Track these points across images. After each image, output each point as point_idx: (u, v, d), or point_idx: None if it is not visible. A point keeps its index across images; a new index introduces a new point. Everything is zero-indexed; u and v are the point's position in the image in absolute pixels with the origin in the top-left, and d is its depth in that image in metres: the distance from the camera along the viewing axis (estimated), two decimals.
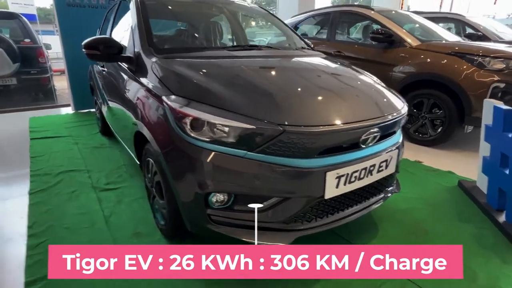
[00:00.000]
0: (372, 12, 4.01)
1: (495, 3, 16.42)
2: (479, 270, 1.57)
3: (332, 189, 1.36)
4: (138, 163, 2.06)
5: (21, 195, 2.35)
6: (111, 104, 2.47)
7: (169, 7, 2.44)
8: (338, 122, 1.34)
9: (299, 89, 1.54)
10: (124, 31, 2.30)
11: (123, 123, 2.13)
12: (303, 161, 1.30)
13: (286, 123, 1.28)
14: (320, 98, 1.50)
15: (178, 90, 1.47)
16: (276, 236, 1.36)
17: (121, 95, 2.06)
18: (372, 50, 3.84)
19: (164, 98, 1.45)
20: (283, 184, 1.30)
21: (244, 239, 1.34)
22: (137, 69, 1.83)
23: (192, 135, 1.35)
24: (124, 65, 2.05)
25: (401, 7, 9.99)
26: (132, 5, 2.21)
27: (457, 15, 5.73)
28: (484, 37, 5.00)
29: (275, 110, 1.34)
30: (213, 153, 1.31)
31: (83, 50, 1.98)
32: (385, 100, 1.64)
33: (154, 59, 1.74)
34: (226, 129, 1.29)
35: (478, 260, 1.64)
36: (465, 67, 3.10)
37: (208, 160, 1.32)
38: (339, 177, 1.36)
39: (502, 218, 1.96)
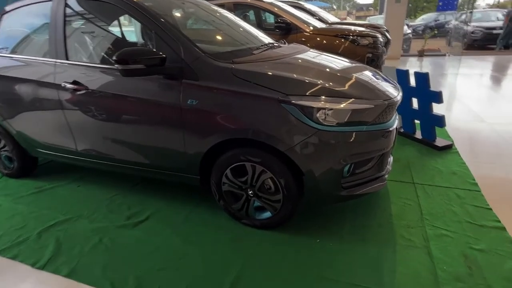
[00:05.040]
0: (265, 3, 4.67)
1: None
2: (418, 163, 2.69)
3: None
4: (198, 177, 1.98)
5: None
6: (116, 130, 2.06)
7: (165, 6, 2.19)
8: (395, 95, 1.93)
9: (364, 74, 2.01)
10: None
11: (168, 144, 1.93)
12: (390, 123, 1.85)
13: (384, 98, 1.77)
14: (377, 79, 2.01)
15: (289, 91, 1.64)
16: (376, 183, 1.89)
17: (161, 113, 1.86)
18: (276, 37, 4.54)
19: (288, 98, 1.61)
20: (385, 143, 1.82)
21: (373, 191, 1.82)
22: (201, 78, 1.75)
23: (326, 123, 1.62)
24: (161, 81, 1.83)
25: None
26: (129, 8, 1.91)
27: (295, 2, 7.23)
28: (321, 20, 6.66)
29: (372, 91, 1.79)
30: (344, 133, 1.65)
31: (117, 66, 1.65)
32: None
33: (230, 66, 1.74)
34: (349, 112, 1.65)
35: (417, 159, 2.78)
36: (347, 44, 4.32)
37: (342, 140, 1.65)
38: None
39: (419, 135, 3.21)
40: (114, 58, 1.64)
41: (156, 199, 2.36)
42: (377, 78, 2.05)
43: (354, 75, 1.96)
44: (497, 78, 6.35)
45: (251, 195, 1.89)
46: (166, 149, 1.96)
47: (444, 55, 9.77)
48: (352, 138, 1.67)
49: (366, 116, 1.71)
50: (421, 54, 9.77)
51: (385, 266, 1.65)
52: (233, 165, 1.84)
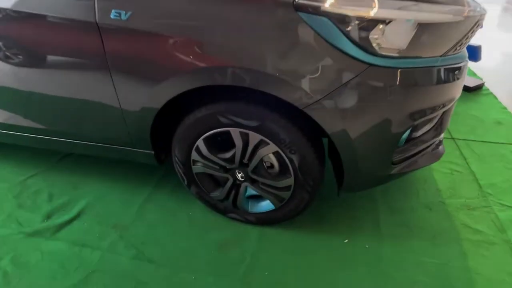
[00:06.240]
0: None
1: None
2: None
3: None
4: (152, 152, 1.20)
5: None
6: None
7: None
8: None
9: None
10: None
11: (90, 98, 1.09)
12: (464, 53, 1.11)
13: (473, 7, 0.99)
14: None
15: None
16: (433, 152, 1.22)
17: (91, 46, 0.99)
18: None
19: (314, 2, 0.80)
20: (457, 87, 1.10)
21: (429, 164, 1.16)
22: None
23: (384, 53, 0.85)
24: None
25: None
26: None
27: None
28: None
29: None
30: (409, 72, 0.90)
31: None
32: None
33: None
34: (423, 29, 0.87)
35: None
36: None
37: (407, 84, 0.91)
38: None
39: None
40: None
41: (93, 179, 1.57)
42: None
43: None
44: (505, 6, 5.62)
45: (241, 179, 1.17)
46: (88, 107, 1.12)
47: None
48: (422, 81, 0.94)
49: (443, 39, 0.95)
50: None
51: (455, 283, 1.06)
52: (209, 133, 1.07)
